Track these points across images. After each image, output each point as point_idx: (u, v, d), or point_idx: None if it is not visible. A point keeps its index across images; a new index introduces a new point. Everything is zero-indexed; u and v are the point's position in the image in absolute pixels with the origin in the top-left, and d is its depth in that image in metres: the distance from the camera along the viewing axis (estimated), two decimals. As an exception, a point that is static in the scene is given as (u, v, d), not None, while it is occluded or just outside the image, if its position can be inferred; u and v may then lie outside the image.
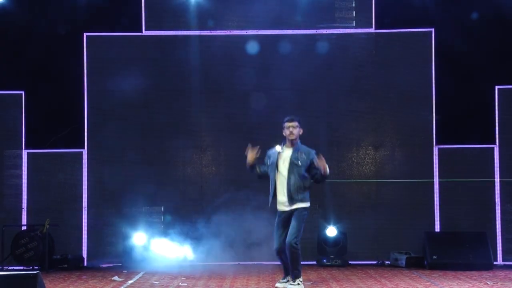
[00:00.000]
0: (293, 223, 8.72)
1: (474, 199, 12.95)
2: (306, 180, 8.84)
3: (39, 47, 13.03)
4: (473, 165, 13.02)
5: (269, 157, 9.04)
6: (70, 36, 13.15)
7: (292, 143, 8.91)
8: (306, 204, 8.85)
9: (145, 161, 13.20)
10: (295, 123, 8.90)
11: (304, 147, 8.96)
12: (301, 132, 8.98)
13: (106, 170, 13.19)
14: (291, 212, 8.80)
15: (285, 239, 8.75)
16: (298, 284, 8.76)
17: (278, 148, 8.91)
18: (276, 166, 8.86)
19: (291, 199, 8.76)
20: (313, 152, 8.92)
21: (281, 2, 13.26)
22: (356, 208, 13.09)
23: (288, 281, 8.97)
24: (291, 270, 8.79)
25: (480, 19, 12.90)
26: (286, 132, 8.93)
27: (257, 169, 9.09)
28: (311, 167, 8.82)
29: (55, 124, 13.13)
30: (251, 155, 8.97)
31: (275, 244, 8.92)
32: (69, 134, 13.21)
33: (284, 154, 8.88)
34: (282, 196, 8.81)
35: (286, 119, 8.98)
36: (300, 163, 8.77)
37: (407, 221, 12.91)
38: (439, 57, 13.08)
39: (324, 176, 8.79)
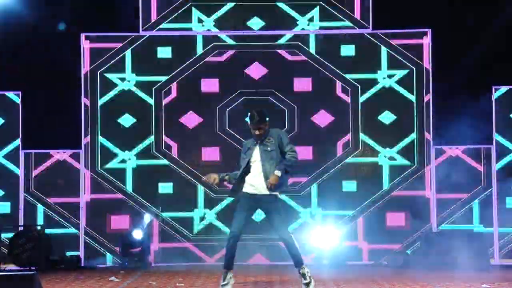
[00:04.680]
0: (276, 218, 8.28)
1: (471, 199, 12.97)
2: (281, 163, 8.34)
3: (37, 47, 13.02)
4: (470, 165, 13.03)
5: (244, 153, 8.54)
6: (68, 36, 13.16)
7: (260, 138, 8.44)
8: (277, 192, 8.37)
9: (143, 161, 13.20)
10: (261, 124, 8.37)
11: (271, 131, 8.47)
12: (267, 128, 8.39)
13: (103, 170, 13.20)
14: (260, 199, 8.33)
15: (245, 225, 8.32)
16: (310, 279, 8.33)
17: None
18: (250, 160, 8.42)
19: (266, 184, 8.27)
20: (280, 131, 8.53)
21: (278, 11, 13.30)
22: (353, 208, 13.10)
23: (230, 278, 8.45)
24: (297, 259, 8.32)
25: (477, 20, 12.91)
26: (253, 132, 8.44)
27: (227, 178, 8.62)
28: (280, 146, 8.36)
29: (52, 124, 13.12)
30: (212, 181, 8.62)
31: (232, 228, 8.32)
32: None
33: (255, 149, 8.42)
34: (252, 178, 8.37)
35: (249, 119, 8.43)
36: (269, 148, 8.34)
37: (404, 220, 12.92)
38: (436, 57, 13.10)
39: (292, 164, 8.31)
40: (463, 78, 12.88)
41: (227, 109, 13.28)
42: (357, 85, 13.25)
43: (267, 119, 8.43)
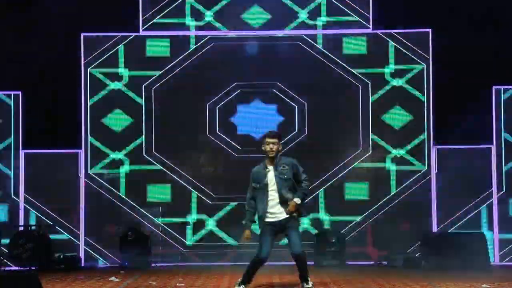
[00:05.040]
0: (293, 234, 8.53)
1: (471, 199, 12.97)
2: (299, 192, 8.61)
3: (37, 47, 13.02)
4: (471, 165, 13.04)
5: (257, 182, 8.62)
6: (68, 36, 13.16)
7: (272, 160, 8.56)
8: (297, 214, 8.63)
9: (143, 161, 13.22)
10: (276, 139, 8.56)
11: (284, 159, 8.64)
12: (280, 148, 8.62)
13: (103, 170, 13.21)
14: (284, 223, 8.53)
15: (271, 249, 8.57)
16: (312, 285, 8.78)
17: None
18: (266, 187, 8.57)
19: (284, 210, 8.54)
20: (293, 160, 8.68)
21: (279, 3, 13.30)
22: (353, 209, 13.10)
23: None
24: (305, 275, 8.67)
25: (477, 19, 12.91)
26: (265, 148, 8.56)
27: (250, 224, 8.72)
28: (296, 175, 8.59)
29: (52, 124, 13.13)
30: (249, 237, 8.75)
31: (263, 253, 8.57)
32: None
33: (269, 174, 8.56)
34: (273, 208, 8.55)
35: (266, 134, 8.63)
36: (286, 176, 8.52)
37: (404, 221, 12.93)
38: (437, 57, 13.10)
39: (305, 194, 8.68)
40: (464, 77, 12.88)
41: (220, 104, 13.26)
42: (367, 81, 13.22)
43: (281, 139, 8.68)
